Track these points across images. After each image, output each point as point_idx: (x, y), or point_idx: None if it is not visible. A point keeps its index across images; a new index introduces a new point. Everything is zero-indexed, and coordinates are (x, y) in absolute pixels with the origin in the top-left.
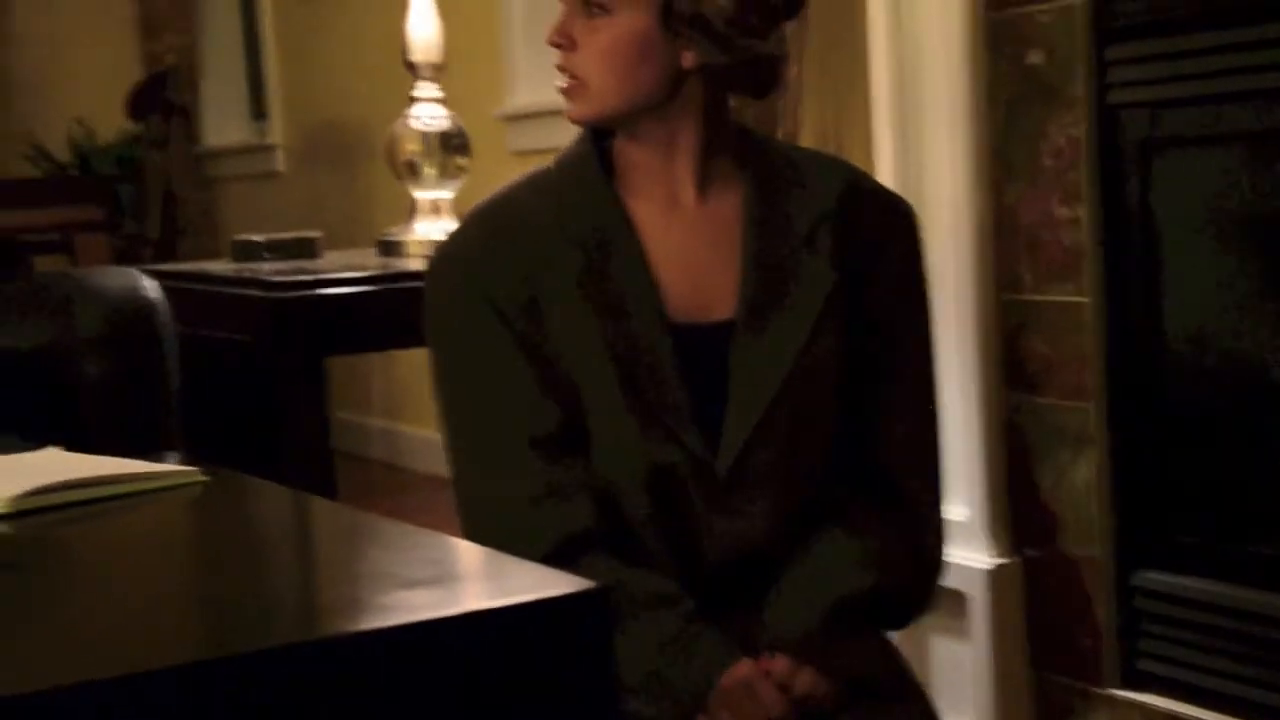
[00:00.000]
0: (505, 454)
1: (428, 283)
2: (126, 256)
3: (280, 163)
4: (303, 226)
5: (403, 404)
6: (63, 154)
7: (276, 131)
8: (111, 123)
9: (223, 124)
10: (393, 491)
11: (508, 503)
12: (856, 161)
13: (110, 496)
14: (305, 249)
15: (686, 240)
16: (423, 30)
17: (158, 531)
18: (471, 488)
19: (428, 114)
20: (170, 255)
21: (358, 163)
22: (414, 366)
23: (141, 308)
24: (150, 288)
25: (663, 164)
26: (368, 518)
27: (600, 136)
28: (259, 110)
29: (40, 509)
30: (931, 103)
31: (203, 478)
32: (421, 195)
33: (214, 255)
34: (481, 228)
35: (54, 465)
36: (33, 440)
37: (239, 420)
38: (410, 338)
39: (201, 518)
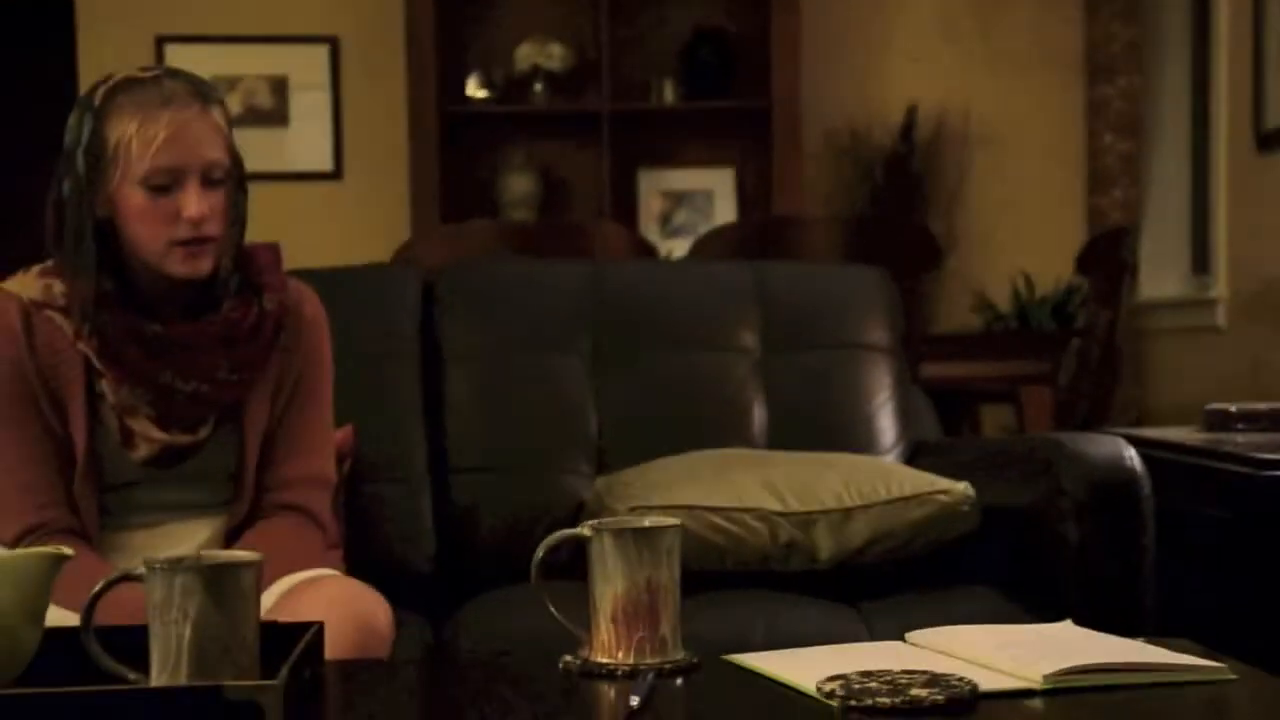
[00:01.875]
0: None
1: None
2: (1065, 409)
3: (1221, 318)
4: (1239, 385)
5: None
6: (1004, 306)
7: (1220, 285)
8: (1050, 274)
9: (1161, 277)
10: None
11: None
12: None
13: (1132, 685)
14: None
15: None
16: None
17: None
18: None
19: None
20: (1105, 411)
21: None
22: None
23: (1125, 476)
24: (1132, 457)
25: None
26: None
27: None
28: (1201, 263)
29: (1069, 688)
30: None
31: (1230, 675)
32: None
33: (1143, 410)
34: None
35: (1079, 643)
36: (1002, 590)
37: (1205, 597)
38: None
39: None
